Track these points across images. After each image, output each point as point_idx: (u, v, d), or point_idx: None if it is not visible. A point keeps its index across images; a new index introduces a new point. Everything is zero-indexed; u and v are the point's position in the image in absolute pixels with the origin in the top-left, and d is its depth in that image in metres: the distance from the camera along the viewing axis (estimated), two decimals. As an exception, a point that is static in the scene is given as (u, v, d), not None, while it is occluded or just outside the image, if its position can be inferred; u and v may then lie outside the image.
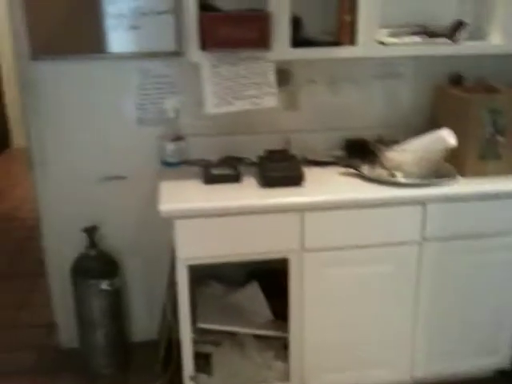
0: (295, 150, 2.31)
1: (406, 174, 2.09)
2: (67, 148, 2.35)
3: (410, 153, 2.11)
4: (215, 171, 2.12)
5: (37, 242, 3.54)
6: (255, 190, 2.03)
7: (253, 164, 2.26)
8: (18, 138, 6.17)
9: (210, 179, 2.09)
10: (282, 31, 2.01)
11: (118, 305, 2.43)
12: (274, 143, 2.35)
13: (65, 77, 2.26)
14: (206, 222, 1.93)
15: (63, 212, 2.42)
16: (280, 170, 2.07)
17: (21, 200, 4.72)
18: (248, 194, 2.00)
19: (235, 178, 2.10)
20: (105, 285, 2.30)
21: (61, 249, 2.46)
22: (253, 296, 2.32)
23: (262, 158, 2.18)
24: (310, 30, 2.21)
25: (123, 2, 2.18)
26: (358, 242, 2.05)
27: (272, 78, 2.09)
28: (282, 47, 2.03)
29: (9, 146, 6.29)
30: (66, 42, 2.20)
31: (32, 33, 2.17)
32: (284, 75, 2.35)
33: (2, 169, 5.63)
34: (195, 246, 1.95)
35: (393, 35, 2.25)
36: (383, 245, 2.07)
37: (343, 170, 2.23)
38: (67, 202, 2.41)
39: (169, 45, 2.26)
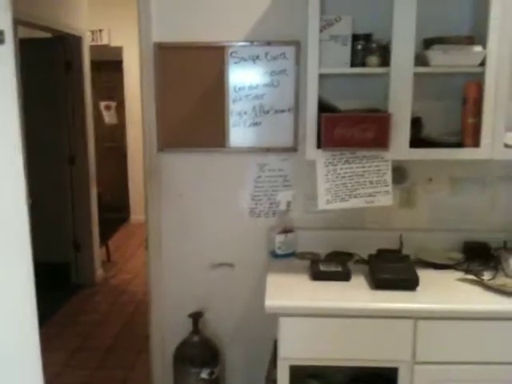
0: (408, 250, 2.22)
1: (535, 287, 1.91)
2: (181, 232, 2.45)
3: (539, 264, 1.93)
4: (323, 267, 2.08)
5: (143, 317, 3.67)
6: (365, 291, 1.95)
7: (363, 262, 2.20)
8: (135, 213, 6.61)
9: (318, 276, 2.04)
10: (401, 131, 1.99)
11: (216, 395, 2.39)
12: (385, 241, 2.28)
13: (186, 167, 2.39)
14: (312, 322, 1.87)
15: (171, 293, 2.49)
16: (393, 271, 1.98)
17: (132, 274, 4.95)
18: (357, 295, 1.92)
19: (344, 277, 2.04)
20: (205, 374, 2.29)
21: (165, 330, 2.50)
22: (355, 403, 2.17)
23: (373, 257, 2.11)
24: (431, 129, 2.17)
25: (247, 101, 2.31)
26: (476, 357, 1.86)
27: (388, 176, 2.06)
28: (400, 147, 2.01)
29: (127, 219, 6.72)
30: (190, 137, 2.36)
31: (161, 129, 2.36)
32: (400, 173, 2.31)
33: (119, 241, 6.00)
34: (299, 346, 1.88)
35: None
36: (506, 363, 1.86)
37: (462, 275, 2.08)
38: (176, 284, 2.48)
39: (286, 141, 2.33)
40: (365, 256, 2.20)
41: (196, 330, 2.35)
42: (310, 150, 2.05)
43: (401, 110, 1.99)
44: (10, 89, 1.24)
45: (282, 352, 1.88)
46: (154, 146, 2.37)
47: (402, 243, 2.23)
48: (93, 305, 4.28)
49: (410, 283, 1.94)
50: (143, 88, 2.36)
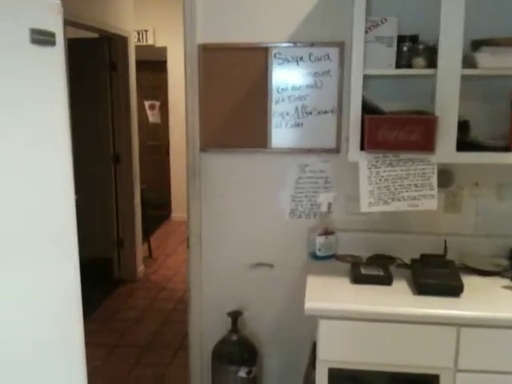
0: (452, 255, 2.17)
1: None
2: (221, 232, 2.47)
3: None
4: (364, 271, 2.06)
5: (182, 315, 3.72)
6: (407, 296, 1.92)
7: (405, 266, 2.16)
8: (176, 211, 6.71)
9: (359, 279, 2.02)
10: (448, 134, 1.95)
11: (254, 395, 2.40)
12: (429, 245, 2.24)
13: (227, 167, 2.42)
14: (352, 326, 1.85)
15: (211, 292, 2.51)
16: (437, 277, 1.94)
17: (173, 271, 5.02)
18: (399, 300, 1.89)
19: (386, 281, 2.01)
20: (243, 372, 2.30)
21: (204, 328, 2.53)
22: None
23: (416, 262, 2.07)
24: (478, 133, 2.12)
25: (290, 102, 2.31)
26: (523, 368, 1.81)
27: (434, 180, 2.02)
28: (446, 150, 1.97)
29: (169, 217, 6.83)
30: (232, 137, 2.38)
31: (203, 129, 2.39)
32: (446, 176, 2.26)
33: (160, 238, 6.10)
34: (338, 349, 1.87)
35: None
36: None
37: (507, 282, 2.02)
38: (215, 283, 2.50)
39: (328, 142, 2.32)
40: (407, 260, 2.17)
41: (235, 328, 2.36)
42: (353, 151, 2.03)
43: (447, 113, 1.95)
44: (61, 89, 1.28)
45: (321, 354, 1.87)
46: (197, 146, 2.40)
47: (446, 248, 2.18)
48: (133, 301, 4.37)
49: (454, 289, 1.90)
50: (187, 88, 2.39)
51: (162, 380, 3.16)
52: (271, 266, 2.46)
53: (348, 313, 1.85)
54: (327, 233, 2.32)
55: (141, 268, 4.87)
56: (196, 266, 2.50)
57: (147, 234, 5.37)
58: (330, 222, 2.38)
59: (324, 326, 1.86)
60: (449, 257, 2.15)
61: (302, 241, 2.41)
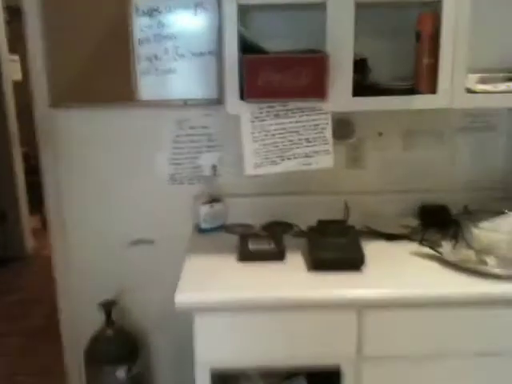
0: (356, 216, 1.89)
1: (501, 261, 1.60)
2: (89, 206, 2.06)
3: (504, 234, 1.62)
4: (252, 245, 1.72)
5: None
6: (301, 274, 1.60)
7: (303, 234, 1.85)
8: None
9: (245, 256, 1.69)
10: (342, 77, 1.60)
11: (138, 394, 2.06)
12: (331, 206, 1.94)
13: (88, 127, 1.98)
14: (234, 318, 1.51)
15: (82, 280, 2.11)
16: (335, 249, 1.64)
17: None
18: (291, 280, 1.57)
19: (277, 256, 1.69)
20: (122, 372, 1.94)
21: (78, 323, 2.14)
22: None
23: (313, 231, 1.76)
24: (379, 73, 1.80)
25: (157, 41, 1.88)
26: (432, 350, 1.55)
27: (328, 133, 1.68)
28: (341, 96, 1.62)
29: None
30: (90, 88, 1.92)
31: (52, 78, 1.91)
32: (345, 127, 1.95)
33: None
34: (220, 347, 1.54)
35: (483, 81, 1.79)
36: (469, 355, 1.57)
37: (416, 247, 1.76)
38: (87, 268, 2.10)
39: (208, 92, 1.93)
40: (305, 228, 1.85)
41: (109, 321, 1.98)
42: (232, 101, 1.65)
43: (341, 50, 1.59)
44: None
45: (200, 356, 1.53)
46: (45, 101, 1.93)
47: (347, 210, 1.89)
48: (24, 280, 3.91)
49: (353, 262, 1.60)
50: (29, 33, 1.90)
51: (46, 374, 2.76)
52: (152, 242, 2.08)
53: (228, 304, 1.50)
54: (213, 200, 1.97)
55: (30, 243, 4.34)
56: (60, 249, 2.08)
57: (37, 203, 4.80)
58: (216, 188, 2.02)
59: (201, 322, 1.51)
60: (352, 218, 1.87)
61: (187, 211, 2.04)
